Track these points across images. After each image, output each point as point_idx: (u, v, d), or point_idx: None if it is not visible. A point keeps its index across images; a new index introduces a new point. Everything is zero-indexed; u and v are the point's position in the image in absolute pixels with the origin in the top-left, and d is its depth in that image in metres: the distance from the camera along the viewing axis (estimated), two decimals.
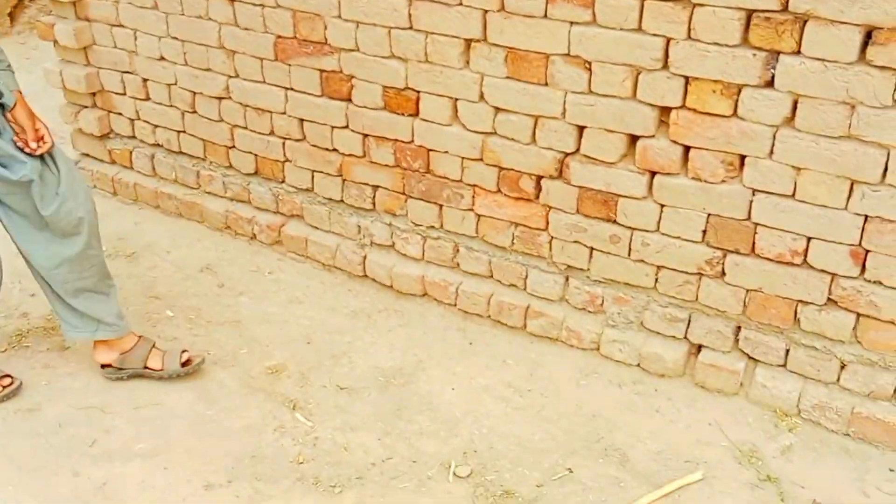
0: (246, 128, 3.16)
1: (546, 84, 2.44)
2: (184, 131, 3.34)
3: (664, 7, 2.17)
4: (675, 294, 2.51)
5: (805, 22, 2.02)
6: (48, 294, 2.51)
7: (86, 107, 3.53)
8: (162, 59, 3.22)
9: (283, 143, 3.10)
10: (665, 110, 2.31)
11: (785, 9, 2.02)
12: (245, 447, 2.35)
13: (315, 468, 2.28)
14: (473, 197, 2.76)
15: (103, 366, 2.60)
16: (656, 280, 2.53)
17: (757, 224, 2.30)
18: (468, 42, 2.53)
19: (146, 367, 2.59)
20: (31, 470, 2.28)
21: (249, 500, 2.19)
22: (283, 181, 3.20)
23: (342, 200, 3.07)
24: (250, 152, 3.21)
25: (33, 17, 5.54)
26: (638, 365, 2.61)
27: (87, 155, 3.68)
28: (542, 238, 2.68)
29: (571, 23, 2.32)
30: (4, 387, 2.52)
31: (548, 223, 2.65)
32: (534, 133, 2.54)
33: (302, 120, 3.01)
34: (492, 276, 2.84)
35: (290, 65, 2.92)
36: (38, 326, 2.83)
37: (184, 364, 2.58)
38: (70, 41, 3.34)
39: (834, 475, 2.24)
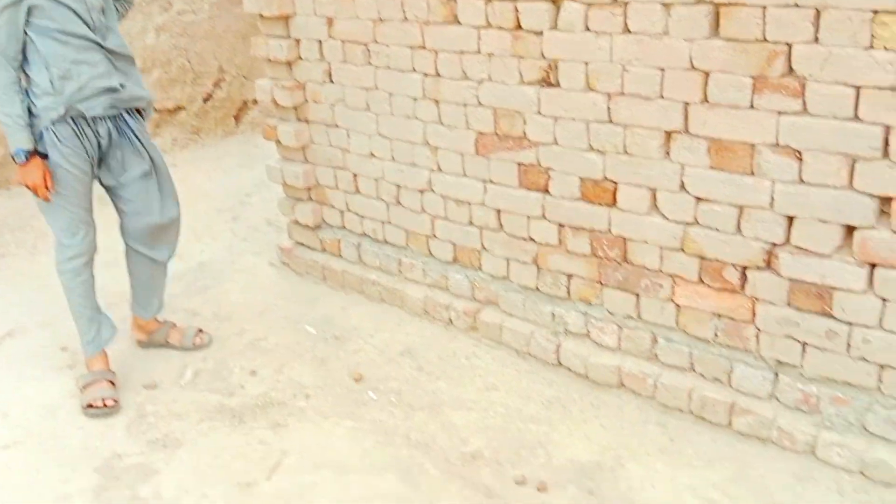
0: (446, 218, 3.31)
1: (752, 174, 2.39)
2: (388, 222, 3.55)
3: (883, 95, 2.08)
4: None
5: None
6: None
7: (302, 200, 3.85)
8: (371, 155, 3.46)
9: (481, 233, 3.21)
10: (886, 200, 2.18)
11: None
12: None
13: None
14: (673, 287, 2.71)
15: (138, 341, 3.43)
16: (880, 380, 2.34)
17: None
18: (668, 133, 2.54)
19: (167, 342, 3.39)
20: None
21: None
22: (479, 269, 3.29)
23: (537, 288, 3.12)
24: (449, 241, 3.34)
25: (255, 119, 6.14)
26: (860, 472, 2.40)
27: (301, 244, 3.98)
28: (749, 331, 2.58)
29: (779, 112, 2.27)
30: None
31: (755, 315, 2.55)
32: (738, 223, 2.47)
33: (499, 210, 3.11)
34: (693, 370, 2.75)
35: (489, 159, 3.04)
36: (256, 404, 3.05)
37: (194, 344, 3.39)
38: (291, 141, 3.68)
39: None
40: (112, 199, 3.15)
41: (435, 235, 3.39)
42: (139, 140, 3.06)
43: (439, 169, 3.24)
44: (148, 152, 3.10)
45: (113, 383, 3.08)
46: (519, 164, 2.97)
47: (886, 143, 2.12)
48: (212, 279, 4.01)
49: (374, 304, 3.66)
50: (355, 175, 3.58)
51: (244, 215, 4.78)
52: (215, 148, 6.00)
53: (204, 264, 4.15)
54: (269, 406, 3.03)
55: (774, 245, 2.43)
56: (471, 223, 3.23)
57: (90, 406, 2.99)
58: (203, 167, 5.59)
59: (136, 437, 2.90)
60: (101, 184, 3.10)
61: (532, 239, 3.05)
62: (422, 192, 3.35)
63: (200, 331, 3.45)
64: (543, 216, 2.97)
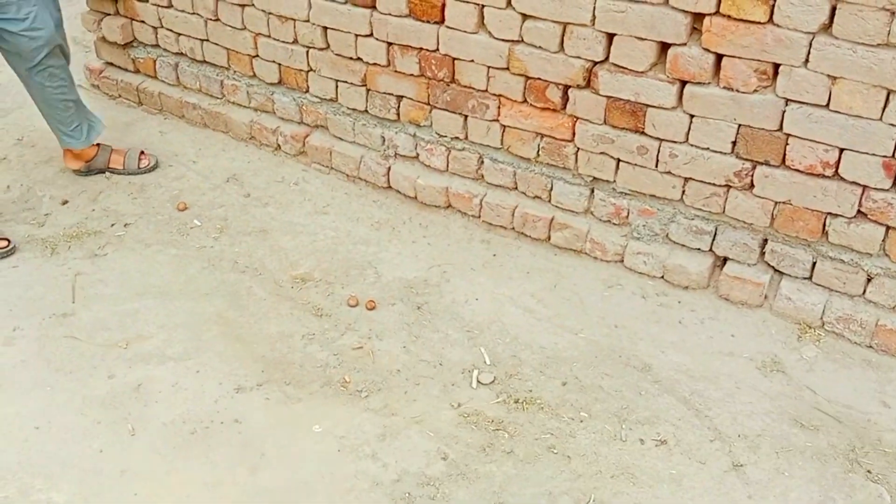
0: (269, 36, 3.11)
1: None
2: (207, 40, 3.30)
3: None
4: (702, 206, 2.50)
5: None
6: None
7: (108, 14, 3.49)
8: None
9: (307, 53, 3.06)
10: (698, 17, 2.25)
11: None
12: (274, 353, 2.41)
13: (342, 374, 2.34)
14: (499, 107, 2.72)
15: (74, 170, 3.18)
16: (683, 192, 2.51)
17: (789, 135, 2.26)
18: None
19: (109, 168, 3.17)
20: (68, 372, 2.35)
21: (279, 403, 2.25)
22: (307, 91, 3.17)
23: (366, 111, 3.05)
24: (274, 61, 3.17)
25: None
26: (662, 277, 2.61)
27: (111, 64, 3.66)
28: (568, 149, 2.66)
29: None
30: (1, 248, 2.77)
31: (574, 134, 2.62)
32: (562, 41, 2.48)
33: (326, 28, 2.96)
34: (516, 188, 2.83)
35: None
36: (69, 234, 2.88)
37: (140, 166, 3.18)
38: None
39: (855, 386, 2.26)
40: None
41: (258, 55, 3.20)
42: None
43: None
44: None
45: None
46: None
47: None
48: (12, 102, 3.65)
49: (196, 129, 3.47)
50: None
51: None
52: None
53: (2, 86, 3.75)
54: (84, 236, 2.87)
55: (594, 63, 2.47)
56: (296, 41, 3.06)
57: None
58: None
59: None
60: None
61: (360, 59, 2.94)
62: (242, 6, 3.12)
63: (142, 153, 3.25)
64: (371, 34, 2.86)
